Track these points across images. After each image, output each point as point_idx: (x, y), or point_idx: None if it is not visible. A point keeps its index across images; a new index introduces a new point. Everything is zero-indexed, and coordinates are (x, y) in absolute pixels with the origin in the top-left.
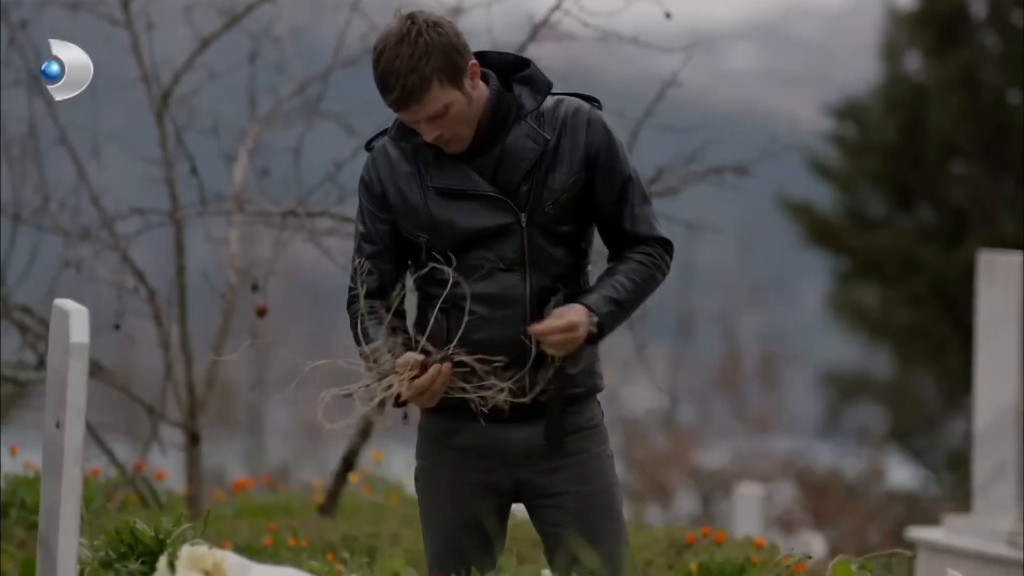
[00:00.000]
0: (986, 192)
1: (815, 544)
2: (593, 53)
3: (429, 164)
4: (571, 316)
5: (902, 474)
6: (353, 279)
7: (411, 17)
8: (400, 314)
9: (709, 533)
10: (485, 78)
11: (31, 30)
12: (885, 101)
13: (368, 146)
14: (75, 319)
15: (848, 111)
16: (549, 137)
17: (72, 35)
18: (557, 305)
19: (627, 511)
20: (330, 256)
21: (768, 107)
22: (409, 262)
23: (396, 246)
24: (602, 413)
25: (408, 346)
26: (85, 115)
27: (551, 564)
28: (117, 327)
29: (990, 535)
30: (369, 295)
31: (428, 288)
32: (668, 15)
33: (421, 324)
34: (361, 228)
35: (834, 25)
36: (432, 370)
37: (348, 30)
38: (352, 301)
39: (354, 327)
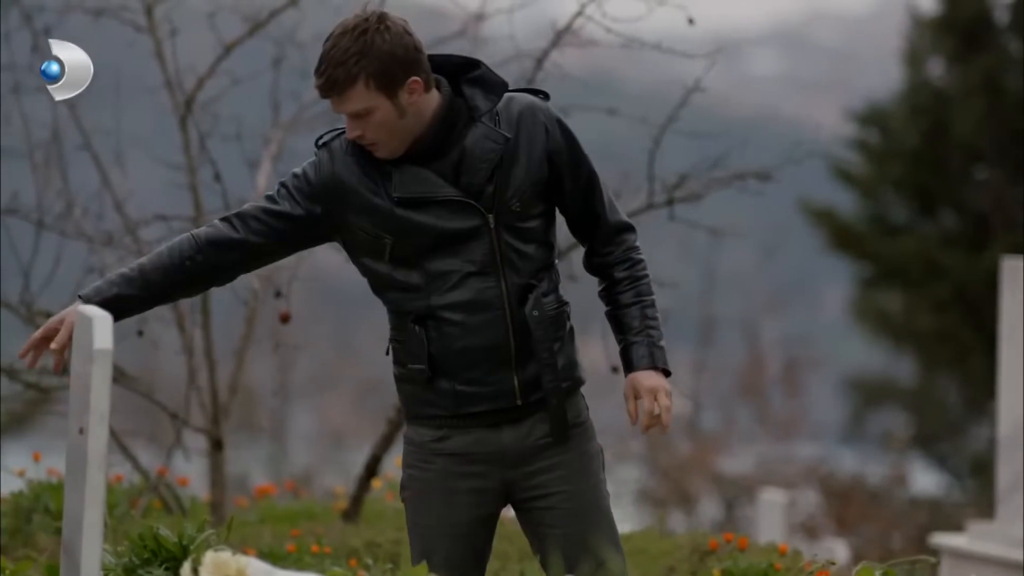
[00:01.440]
0: (1008, 197)
1: (838, 550)
2: (616, 59)
3: (391, 171)
4: (647, 383)
5: (925, 480)
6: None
7: (368, 15)
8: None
9: (732, 539)
10: (437, 84)
11: (55, 36)
12: (908, 107)
13: (319, 143)
14: (98, 325)
15: (871, 117)
16: (509, 135)
17: (95, 41)
18: (537, 302)
19: (651, 517)
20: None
21: (791, 113)
22: (373, 278)
23: (284, 236)
24: (587, 407)
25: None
26: (109, 121)
27: (543, 563)
28: (140, 333)
29: (1013, 541)
30: (210, 234)
31: (397, 300)
32: (691, 21)
33: (397, 338)
34: (278, 193)
35: (857, 31)
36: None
37: None
38: (190, 236)
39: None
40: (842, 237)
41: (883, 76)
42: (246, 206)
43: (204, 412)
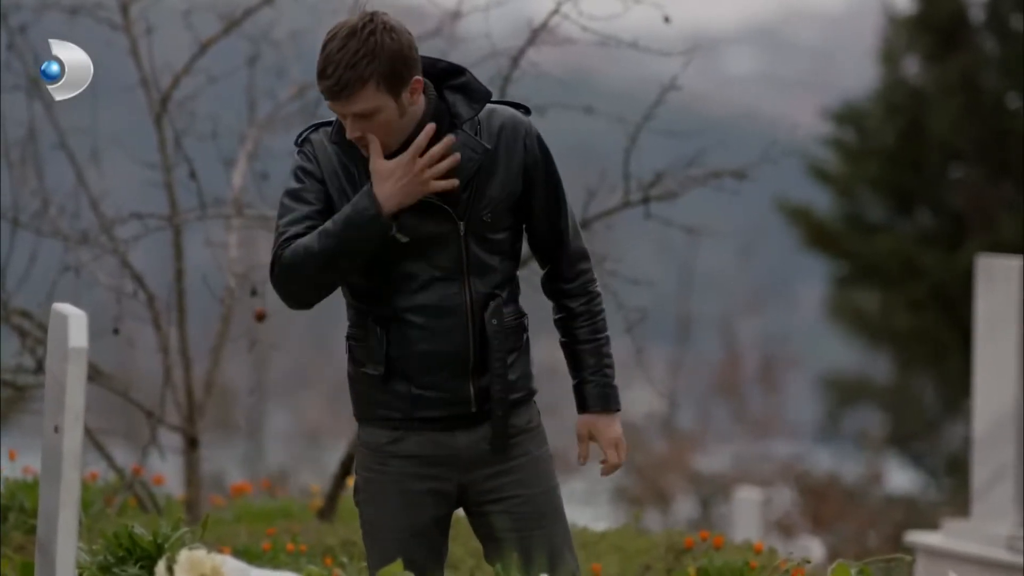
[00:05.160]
0: (985, 196)
1: (814, 548)
2: (592, 57)
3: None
4: (608, 435)
5: (901, 478)
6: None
7: (371, 16)
8: None
9: (708, 537)
10: (424, 89)
11: (30, 34)
12: (884, 105)
13: (298, 140)
14: (74, 323)
15: (847, 115)
16: (489, 146)
17: (71, 39)
18: (496, 311)
19: (626, 515)
20: None
21: (768, 111)
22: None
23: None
24: (539, 414)
25: None
26: (84, 119)
27: (502, 568)
28: (116, 331)
29: (989, 539)
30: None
31: (360, 298)
32: (667, 19)
33: (355, 336)
34: (296, 207)
35: (833, 29)
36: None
37: None
38: (287, 247)
39: (309, 253)
40: (818, 236)
41: (859, 75)
42: (287, 232)
43: (179, 410)
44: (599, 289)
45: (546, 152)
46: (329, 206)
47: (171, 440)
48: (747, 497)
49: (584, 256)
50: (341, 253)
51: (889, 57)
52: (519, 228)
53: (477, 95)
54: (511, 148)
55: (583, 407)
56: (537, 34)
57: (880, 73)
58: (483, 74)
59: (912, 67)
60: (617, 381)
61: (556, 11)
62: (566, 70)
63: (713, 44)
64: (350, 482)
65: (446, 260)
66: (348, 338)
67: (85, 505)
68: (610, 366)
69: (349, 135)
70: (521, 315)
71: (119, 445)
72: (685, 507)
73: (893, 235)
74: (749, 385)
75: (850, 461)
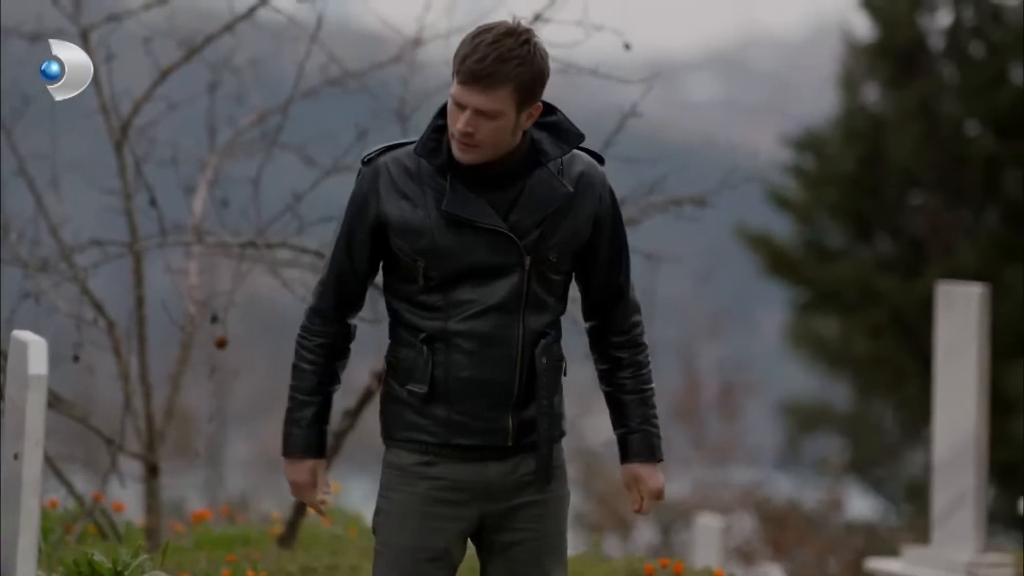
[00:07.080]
0: (944, 222)
1: (774, 575)
2: (553, 84)
3: (444, 190)
4: (651, 485)
5: (861, 505)
6: (309, 319)
7: (528, 29)
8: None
9: (668, 564)
10: None
11: None
12: (844, 132)
13: (366, 160)
14: (33, 350)
15: (807, 142)
16: (571, 189)
17: (32, 65)
18: (546, 349)
19: (587, 542)
20: (290, 287)
21: (728, 138)
22: (393, 285)
23: (370, 270)
24: (563, 453)
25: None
26: (44, 146)
27: None
28: (76, 358)
29: (949, 566)
30: (326, 320)
31: (410, 316)
32: (628, 46)
33: (398, 355)
34: (339, 249)
35: (793, 57)
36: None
37: (307, 61)
38: (304, 339)
39: (296, 372)
40: (778, 262)
41: (819, 101)
42: (324, 284)
43: (139, 437)
44: (647, 341)
45: (616, 206)
46: (375, 236)
47: (131, 467)
48: (707, 523)
49: (638, 309)
50: None
51: (848, 84)
52: (572, 274)
53: (566, 136)
54: (587, 195)
55: (627, 457)
56: None
57: (840, 100)
58: (444, 102)
59: (871, 94)
60: (661, 440)
61: None
62: None
63: (674, 71)
64: (310, 510)
65: (506, 292)
66: (388, 356)
67: (45, 532)
68: (656, 417)
69: (459, 127)
70: (562, 358)
71: (79, 472)
72: (645, 533)
73: (852, 261)
74: (709, 411)
75: (810, 487)
